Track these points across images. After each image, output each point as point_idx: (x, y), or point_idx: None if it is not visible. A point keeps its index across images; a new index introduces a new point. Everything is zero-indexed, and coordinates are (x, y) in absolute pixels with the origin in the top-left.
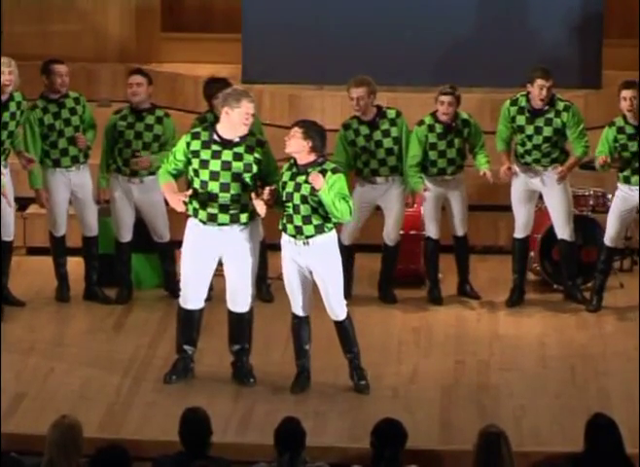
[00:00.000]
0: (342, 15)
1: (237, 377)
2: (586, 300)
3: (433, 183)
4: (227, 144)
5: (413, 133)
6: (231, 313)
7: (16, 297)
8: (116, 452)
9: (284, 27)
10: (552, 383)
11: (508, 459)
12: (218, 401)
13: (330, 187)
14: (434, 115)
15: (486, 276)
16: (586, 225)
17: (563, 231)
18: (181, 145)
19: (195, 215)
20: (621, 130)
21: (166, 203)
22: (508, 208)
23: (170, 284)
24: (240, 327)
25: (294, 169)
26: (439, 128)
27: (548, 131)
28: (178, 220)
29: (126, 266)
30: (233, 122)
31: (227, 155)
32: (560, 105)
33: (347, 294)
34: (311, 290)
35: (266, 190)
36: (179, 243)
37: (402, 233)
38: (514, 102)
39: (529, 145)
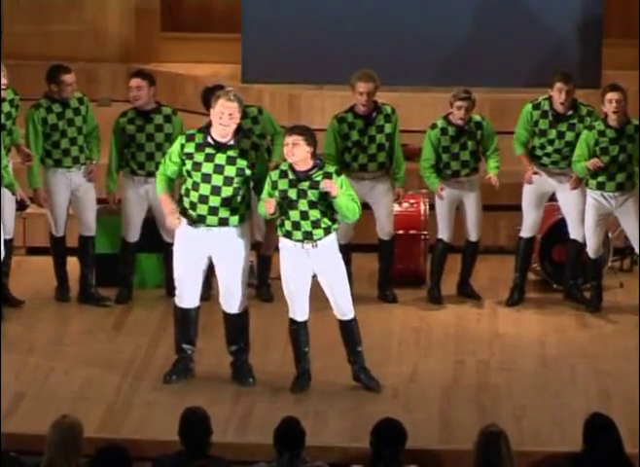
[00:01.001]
0: (342, 15)
1: (237, 378)
2: (586, 300)
3: (447, 185)
4: (220, 147)
5: (426, 137)
6: (225, 315)
7: (15, 297)
8: (116, 452)
9: (284, 27)
10: (552, 383)
11: (508, 459)
12: (218, 401)
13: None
14: (446, 118)
15: (486, 276)
16: None
17: (577, 232)
18: (175, 147)
19: (185, 215)
20: (601, 134)
21: None
22: (508, 208)
23: (170, 283)
24: (236, 328)
25: (291, 176)
26: (451, 131)
27: (570, 136)
28: None
29: (130, 266)
30: (213, 122)
31: (220, 158)
32: (583, 110)
33: None
34: (309, 295)
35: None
36: None
37: (401, 232)
38: (536, 106)
39: (549, 149)
